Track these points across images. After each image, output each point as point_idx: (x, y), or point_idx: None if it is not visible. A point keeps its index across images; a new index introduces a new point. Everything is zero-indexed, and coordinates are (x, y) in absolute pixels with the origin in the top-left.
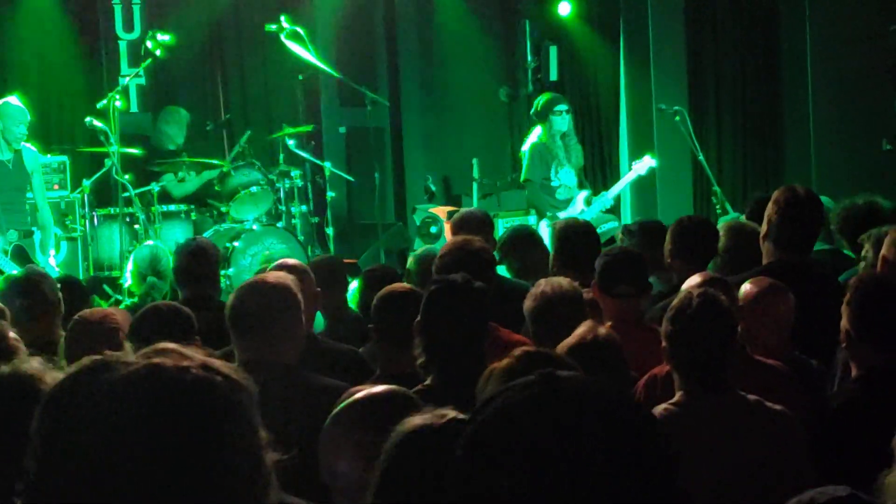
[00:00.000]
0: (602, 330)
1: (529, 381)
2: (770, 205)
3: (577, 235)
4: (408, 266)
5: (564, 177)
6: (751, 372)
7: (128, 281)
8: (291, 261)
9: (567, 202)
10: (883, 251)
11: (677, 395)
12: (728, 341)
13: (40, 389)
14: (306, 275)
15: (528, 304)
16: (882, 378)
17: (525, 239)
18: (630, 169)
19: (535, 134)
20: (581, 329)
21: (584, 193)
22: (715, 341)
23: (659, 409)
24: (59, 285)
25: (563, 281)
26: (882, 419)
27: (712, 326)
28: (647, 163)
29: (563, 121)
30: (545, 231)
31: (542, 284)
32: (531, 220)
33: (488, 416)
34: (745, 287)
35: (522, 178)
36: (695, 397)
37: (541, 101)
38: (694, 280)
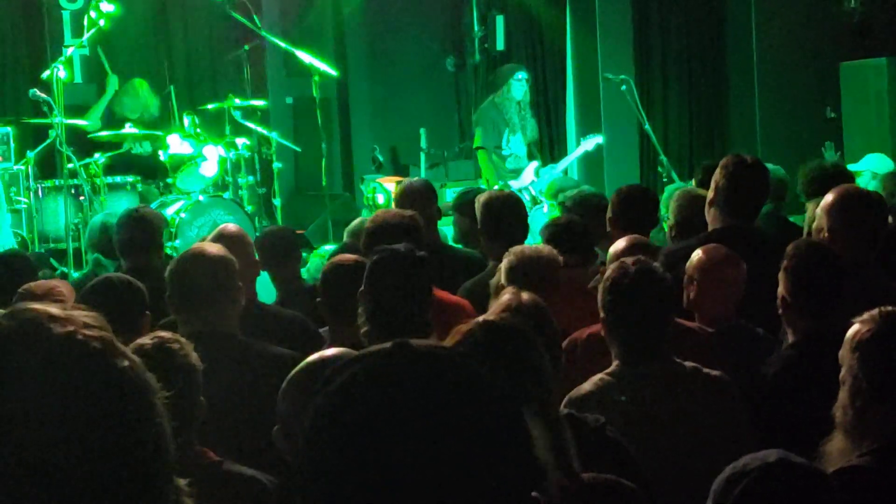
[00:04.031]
0: (525, 295)
1: (381, 351)
2: (717, 171)
3: (502, 206)
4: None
5: (515, 146)
6: (673, 335)
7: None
8: (231, 227)
9: (517, 172)
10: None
11: (613, 365)
12: (665, 309)
13: None
14: (244, 242)
15: (505, 262)
16: (817, 344)
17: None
18: (578, 144)
19: (489, 102)
20: (505, 296)
21: (533, 164)
22: (652, 310)
23: (595, 379)
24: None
25: (543, 247)
26: (817, 385)
27: (649, 296)
28: (594, 140)
29: (521, 88)
30: None
31: (525, 246)
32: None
33: (335, 387)
34: (699, 255)
35: (475, 144)
36: (631, 366)
37: (500, 68)
38: (620, 244)
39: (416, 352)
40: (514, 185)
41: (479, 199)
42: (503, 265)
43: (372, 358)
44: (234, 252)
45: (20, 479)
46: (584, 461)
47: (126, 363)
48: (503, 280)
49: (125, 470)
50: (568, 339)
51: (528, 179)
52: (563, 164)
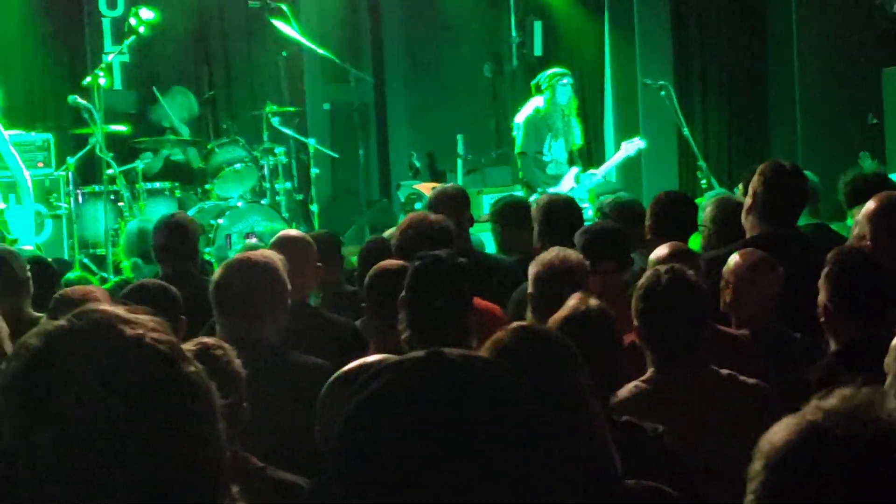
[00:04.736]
0: (593, 302)
1: (414, 360)
2: (755, 177)
3: (559, 210)
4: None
5: (556, 151)
6: (713, 341)
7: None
8: (293, 232)
9: (557, 178)
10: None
11: (649, 372)
12: (698, 316)
13: None
14: (309, 248)
15: (532, 270)
16: (860, 352)
17: (515, 210)
18: (619, 148)
19: (531, 106)
20: (572, 301)
21: (574, 170)
22: (685, 317)
23: (630, 387)
24: (27, 265)
25: (570, 253)
26: None
27: (682, 303)
28: (636, 144)
29: (566, 93)
30: None
31: (551, 252)
32: (517, 194)
33: (367, 395)
34: (735, 259)
35: (517, 150)
36: (666, 373)
37: (544, 73)
38: (661, 251)
39: (449, 361)
40: (553, 192)
41: (538, 203)
42: (529, 273)
43: (404, 366)
44: (296, 258)
45: (84, 474)
46: (641, 469)
47: (192, 368)
48: (530, 288)
49: (187, 473)
50: None
51: (568, 186)
52: (604, 169)
